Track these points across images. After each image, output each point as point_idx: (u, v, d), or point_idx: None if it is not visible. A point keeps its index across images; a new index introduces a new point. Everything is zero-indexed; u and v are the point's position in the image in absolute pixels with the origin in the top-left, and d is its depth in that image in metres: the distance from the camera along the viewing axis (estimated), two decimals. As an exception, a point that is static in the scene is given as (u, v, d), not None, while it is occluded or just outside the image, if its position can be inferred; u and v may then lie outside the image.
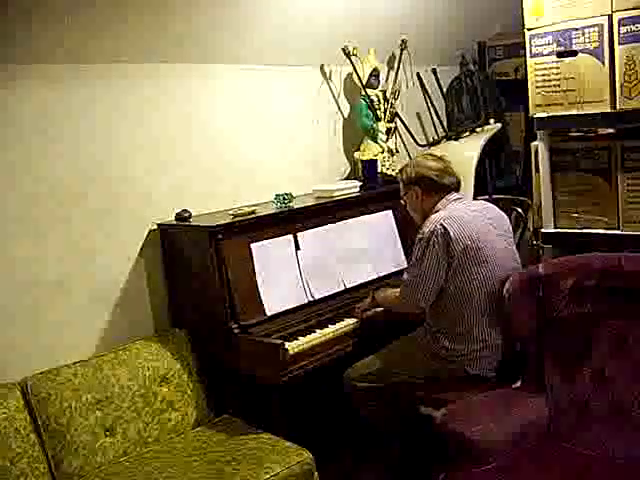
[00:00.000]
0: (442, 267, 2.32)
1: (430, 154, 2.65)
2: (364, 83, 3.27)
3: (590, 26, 2.35)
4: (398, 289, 2.48)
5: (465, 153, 3.29)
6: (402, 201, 2.61)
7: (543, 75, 2.50)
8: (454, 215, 2.35)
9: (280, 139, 3.12)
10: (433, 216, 2.39)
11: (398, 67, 3.48)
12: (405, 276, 2.41)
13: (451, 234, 2.29)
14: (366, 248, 2.93)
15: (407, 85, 3.60)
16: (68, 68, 2.36)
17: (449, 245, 2.29)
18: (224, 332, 2.42)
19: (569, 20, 2.40)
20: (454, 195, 2.47)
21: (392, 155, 3.34)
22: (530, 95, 2.54)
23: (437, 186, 2.46)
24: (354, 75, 3.28)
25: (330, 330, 2.52)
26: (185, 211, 2.61)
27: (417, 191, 2.50)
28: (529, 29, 2.51)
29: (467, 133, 3.51)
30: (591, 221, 2.52)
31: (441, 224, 2.31)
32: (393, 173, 3.15)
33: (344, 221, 2.89)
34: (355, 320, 2.60)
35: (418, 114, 3.81)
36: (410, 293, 2.39)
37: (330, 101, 3.36)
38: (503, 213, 2.54)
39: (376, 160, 3.24)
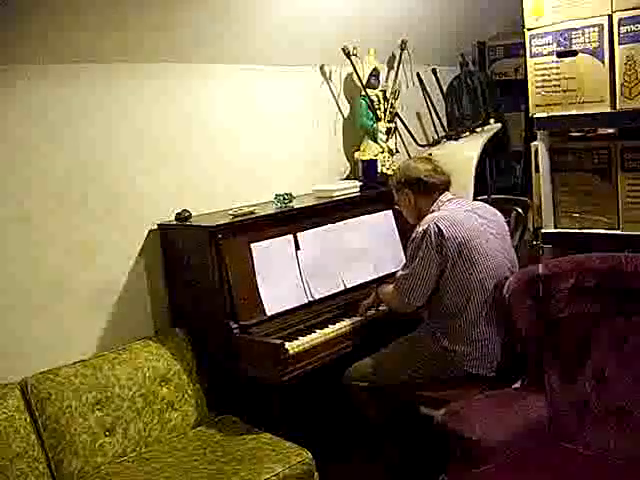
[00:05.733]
0: (434, 266, 2.32)
1: (417, 157, 2.67)
2: (364, 83, 3.27)
3: (590, 26, 2.35)
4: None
5: (465, 153, 3.30)
6: (397, 207, 2.62)
7: (543, 75, 2.49)
8: (447, 215, 2.36)
9: (280, 139, 3.12)
10: (427, 217, 2.40)
11: (398, 67, 3.48)
12: (397, 274, 2.43)
13: (444, 233, 2.30)
14: (366, 248, 2.93)
15: (407, 85, 3.60)
16: (68, 68, 2.36)
17: (442, 244, 2.30)
18: (224, 332, 2.42)
19: (569, 20, 2.40)
20: (448, 196, 2.48)
21: (392, 155, 3.33)
22: (530, 95, 2.54)
23: (428, 186, 2.47)
24: (354, 75, 3.28)
25: (330, 330, 2.52)
26: (185, 211, 2.61)
27: (409, 194, 2.51)
28: (529, 29, 2.51)
29: (467, 133, 3.51)
30: (591, 221, 2.52)
31: (434, 223, 2.32)
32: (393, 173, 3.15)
33: (344, 221, 2.89)
34: (355, 320, 2.61)
35: (418, 114, 3.80)
36: (402, 293, 2.40)
37: (330, 101, 3.36)
38: (499, 213, 2.54)
39: (376, 160, 3.24)
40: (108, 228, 2.50)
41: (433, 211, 2.44)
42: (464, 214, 2.40)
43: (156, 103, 2.63)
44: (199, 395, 2.50)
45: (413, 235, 2.38)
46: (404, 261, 2.48)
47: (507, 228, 2.55)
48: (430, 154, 3.20)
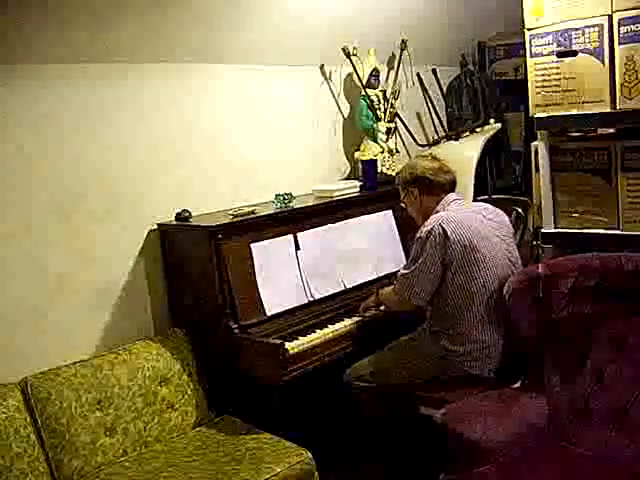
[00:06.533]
0: (437, 267, 2.32)
1: (424, 155, 2.66)
2: (364, 83, 3.27)
3: (590, 26, 2.35)
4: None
5: (465, 153, 3.29)
6: (402, 204, 2.62)
7: (543, 75, 2.49)
8: (452, 216, 2.36)
9: (280, 139, 3.12)
10: (432, 217, 2.40)
11: (398, 67, 3.48)
12: (400, 273, 2.43)
13: (449, 234, 2.29)
14: (366, 248, 2.93)
15: (407, 85, 3.60)
16: (68, 68, 2.36)
17: (446, 245, 2.30)
18: (224, 332, 2.42)
19: (569, 20, 2.40)
20: (453, 196, 2.48)
21: (392, 155, 3.33)
22: (530, 95, 2.54)
23: (433, 185, 2.47)
24: (354, 75, 3.28)
25: (330, 330, 2.52)
26: (185, 211, 2.61)
27: (414, 192, 2.51)
28: (529, 29, 2.51)
29: (467, 133, 3.51)
30: (591, 221, 2.52)
31: (439, 224, 2.32)
32: (393, 173, 3.15)
33: (344, 221, 2.89)
34: (355, 320, 2.61)
35: (418, 114, 3.81)
36: (403, 290, 2.40)
37: (330, 101, 3.36)
38: (504, 214, 2.54)
39: (376, 160, 3.23)
40: (108, 228, 2.50)
41: (438, 211, 2.43)
42: (469, 215, 2.40)
43: (156, 103, 2.63)
44: (199, 395, 2.51)
45: (417, 235, 2.38)
46: (404, 261, 2.48)
47: (512, 229, 2.55)
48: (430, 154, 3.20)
